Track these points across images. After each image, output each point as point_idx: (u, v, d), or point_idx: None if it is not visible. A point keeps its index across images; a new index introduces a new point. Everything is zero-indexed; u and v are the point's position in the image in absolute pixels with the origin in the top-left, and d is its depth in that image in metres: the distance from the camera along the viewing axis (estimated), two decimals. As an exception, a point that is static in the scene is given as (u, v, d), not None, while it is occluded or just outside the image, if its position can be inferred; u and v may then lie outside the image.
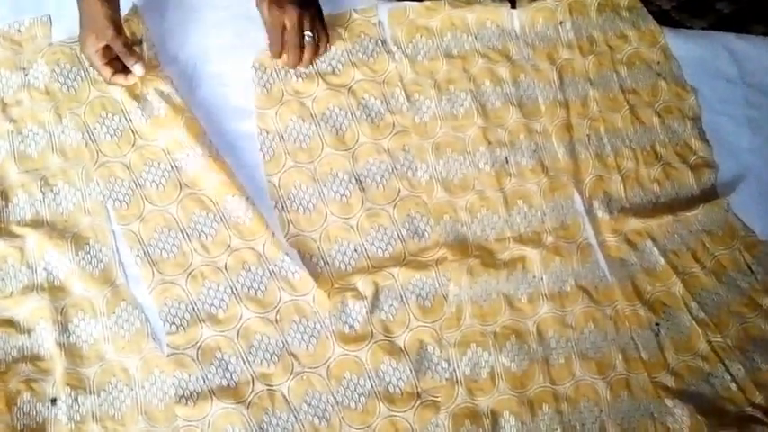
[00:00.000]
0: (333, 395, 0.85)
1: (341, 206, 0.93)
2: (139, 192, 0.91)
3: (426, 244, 0.92)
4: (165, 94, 0.93)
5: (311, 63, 0.97)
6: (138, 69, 0.91)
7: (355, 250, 0.91)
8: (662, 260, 0.93)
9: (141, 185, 0.91)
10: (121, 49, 0.90)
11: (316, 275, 0.89)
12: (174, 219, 0.90)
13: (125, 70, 0.91)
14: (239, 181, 0.92)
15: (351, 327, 0.88)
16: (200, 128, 0.93)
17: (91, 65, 0.93)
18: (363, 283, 0.89)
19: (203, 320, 0.87)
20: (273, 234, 0.90)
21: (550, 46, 1.02)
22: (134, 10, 0.98)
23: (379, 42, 1.00)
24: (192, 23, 1.00)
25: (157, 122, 0.92)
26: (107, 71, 0.91)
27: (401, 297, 0.89)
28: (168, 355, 0.85)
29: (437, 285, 0.90)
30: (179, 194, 0.91)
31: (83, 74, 0.95)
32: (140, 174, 0.92)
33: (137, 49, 0.93)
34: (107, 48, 0.89)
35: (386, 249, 0.92)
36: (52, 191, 0.91)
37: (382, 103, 0.97)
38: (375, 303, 0.88)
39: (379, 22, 1.01)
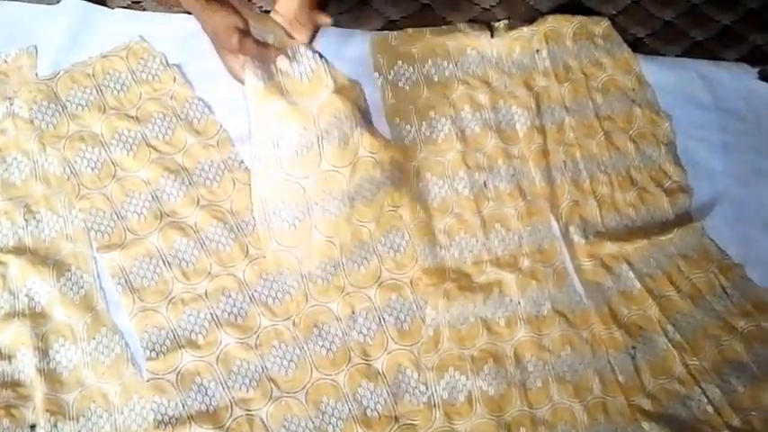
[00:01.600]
0: (311, 420, 0.86)
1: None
2: (121, 223, 0.92)
3: (401, 259, 0.93)
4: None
5: None
6: (303, 37, 0.90)
7: (334, 267, 0.92)
8: (638, 284, 0.94)
9: (122, 216, 0.93)
10: (252, 47, 0.86)
11: (292, 294, 0.90)
12: (156, 247, 0.91)
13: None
14: (221, 205, 0.93)
15: (328, 350, 0.88)
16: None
17: (249, 57, 0.86)
18: (340, 306, 0.90)
19: (183, 346, 0.87)
20: (251, 261, 0.91)
21: (527, 73, 1.04)
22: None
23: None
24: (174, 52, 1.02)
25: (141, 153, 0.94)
26: (258, 49, 0.86)
27: (379, 319, 0.90)
28: (148, 380, 0.86)
29: (414, 308, 0.91)
30: (159, 223, 0.92)
31: (60, 109, 0.97)
32: (121, 204, 0.93)
33: None
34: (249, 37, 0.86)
35: (361, 264, 0.93)
36: (35, 218, 0.92)
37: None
38: (352, 326, 0.89)
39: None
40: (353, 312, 0.90)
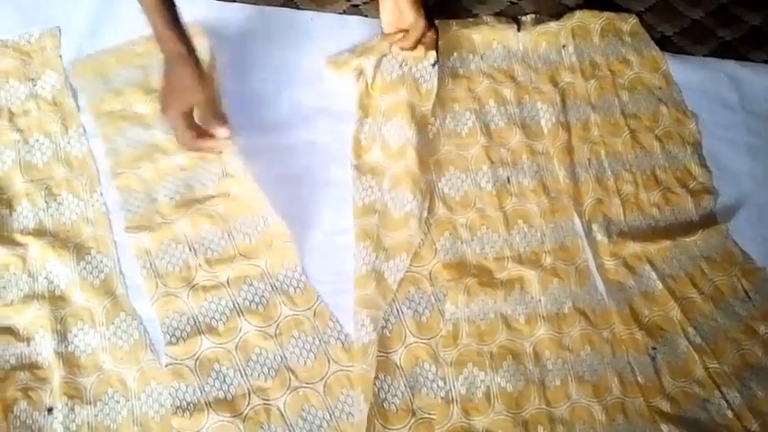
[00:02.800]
0: (328, 411, 0.85)
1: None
2: (153, 205, 0.92)
3: (420, 252, 0.93)
4: None
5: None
6: (223, 133, 0.87)
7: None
8: (660, 285, 0.93)
9: (154, 199, 0.92)
10: (209, 112, 0.86)
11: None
12: (183, 233, 0.91)
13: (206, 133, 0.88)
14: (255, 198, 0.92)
15: (346, 342, 0.88)
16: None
17: (170, 127, 0.88)
18: (370, 299, 0.89)
19: (203, 332, 0.87)
20: (274, 253, 0.90)
21: (553, 69, 1.03)
22: None
23: None
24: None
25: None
26: (189, 135, 0.86)
27: (397, 312, 0.90)
28: (167, 365, 0.85)
29: (433, 301, 0.91)
30: (190, 210, 0.92)
31: (105, 85, 0.97)
32: (155, 187, 0.93)
33: None
34: (191, 110, 0.86)
35: None
36: (56, 200, 0.92)
37: None
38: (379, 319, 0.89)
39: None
40: None
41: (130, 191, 0.92)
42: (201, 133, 0.87)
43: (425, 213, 0.93)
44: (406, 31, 0.96)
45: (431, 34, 0.97)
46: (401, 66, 0.97)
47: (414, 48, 0.96)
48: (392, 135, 0.95)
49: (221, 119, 0.87)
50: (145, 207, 0.92)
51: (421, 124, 0.95)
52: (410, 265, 0.92)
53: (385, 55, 0.98)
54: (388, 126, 0.96)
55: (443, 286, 0.91)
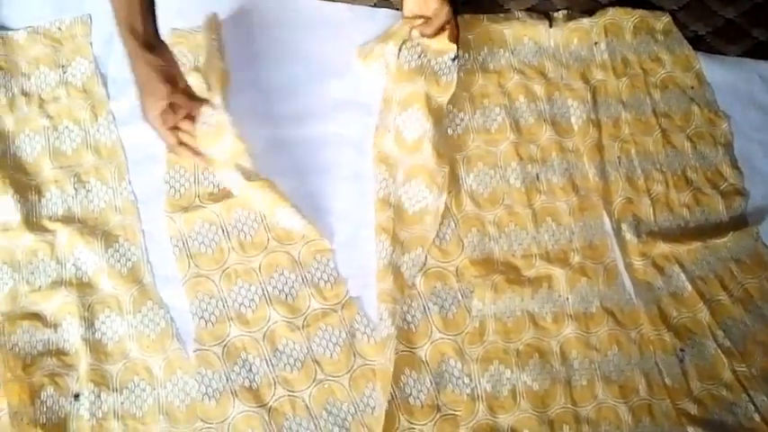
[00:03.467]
0: (353, 404, 0.85)
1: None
2: (195, 188, 0.92)
3: (447, 248, 0.92)
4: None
5: None
6: (206, 111, 0.87)
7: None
8: (689, 286, 0.93)
9: (199, 182, 0.92)
10: (183, 100, 0.85)
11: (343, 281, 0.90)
12: (217, 215, 0.91)
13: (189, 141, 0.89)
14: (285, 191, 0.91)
15: (371, 336, 0.88)
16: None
17: (154, 131, 0.88)
18: (389, 293, 0.89)
19: (232, 318, 0.87)
20: (308, 242, 0.90)
21: (584, 66, 1.02)
22: None
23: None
24: (226, 29, 1.01)
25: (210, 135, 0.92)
26: (171, 138, 0.87)
27: (424, 308, 0.89)
28: (194, 351, 0.86)
29: (460, 297, 0.90)
30: (228, 198, 0.92)
31: None
32: (203, 171, 0.93)
33: None
34: (169, 110, 0.85)
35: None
36: (84, 188, 0.92)
37: None
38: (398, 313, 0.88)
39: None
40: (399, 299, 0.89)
41: (179, 167, 0.93)
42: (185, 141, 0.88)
43: (442, 207, 0.92)
44: (429, 18, 0.94)
45: (452, 26, 0.95)
46: (420, 56, 0.95)
47: (435, 35, 0.94)
48: (407, 126, 0.94)
49: (200, 100, 0.88)
50: (187, 188, 0.92)
51: (437, 116, 0.94)
52: (436, 260, 0.91)
53: (405, 42, 0.95)
54: (404, 116, 0.94)
55: (470, 282, 0.90)
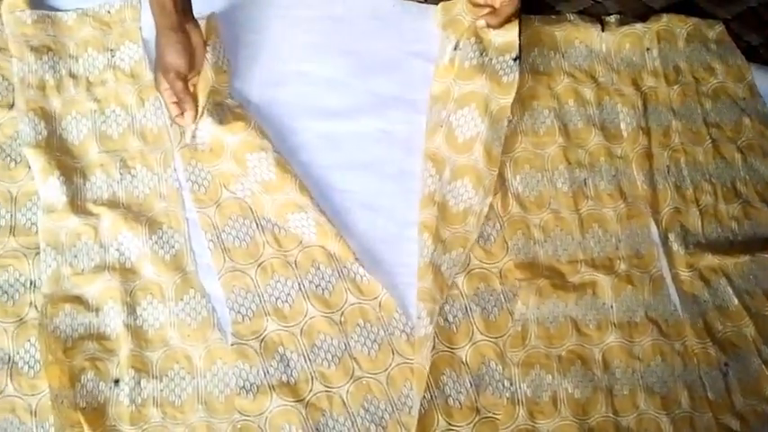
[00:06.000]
0: (391, 403, 0.85)
1: None
2: (219, 178, 0.91)
3: (491, 249, 0.91)
4: (227, 105, 0.94)
5: None
6: (187, 119, 0.90)
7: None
8: (735, 300, 0.91)
9: (221, 171, 0.92)
10: (180, 91, 0.89)
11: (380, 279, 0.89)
12: (250, 209, 0.90)
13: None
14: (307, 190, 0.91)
15: (411, 335, 0.87)
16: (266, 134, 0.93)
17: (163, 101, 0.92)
18: (428, 292, 0.88)
19: (269, 313, 0.87)
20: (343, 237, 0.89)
21: (635, 72, 1.01)
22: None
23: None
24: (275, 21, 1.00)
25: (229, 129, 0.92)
26: (174, 110, 0.90)
27: (466, 308, 0.88)
28: (232, 344, 0.85)
29: (503, 299, 0.89)
30: (258, 186, 0.91)
31: None
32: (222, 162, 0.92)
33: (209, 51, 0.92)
34: (175, 84, 0.89)
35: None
36: (130, 173, 0.92)
37: None
38: (439, 313, 0.87)
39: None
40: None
41: (197, 162, 0.92)
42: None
43: (486, 210, 0.91)
44: (494, 9, 0.92)
45: (518, 19, 0.92)
46: (482, 54, 0.94)
47: (501, 26, 0.92)
48: (460, 125, 0.93)
49: (191, 104, 0.89)
50: (210, 180, 0.91)
51: (497, 119, 0.92)
52: (480, 261, 0.90)
53: (465, 34, 0.94)
54: (458, 114, 0.93)
55: (513, 286, 0.89)
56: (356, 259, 0.88)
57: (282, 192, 0.90)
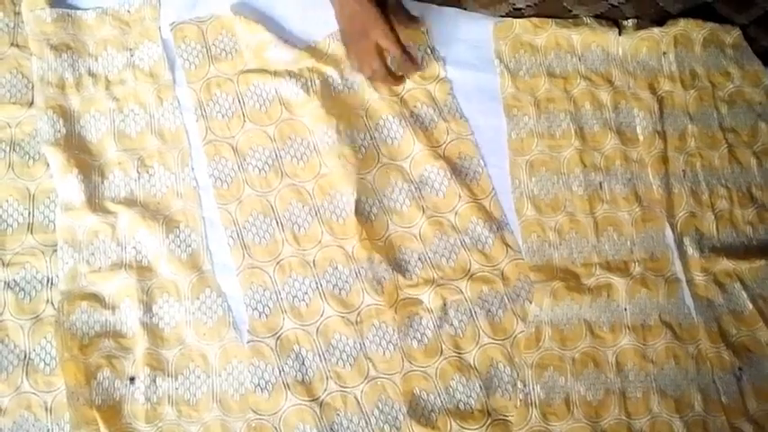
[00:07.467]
0: (405, 405, 0.85)
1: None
2: (242, 174, 0.92)
3: (489, 252, 0.91)
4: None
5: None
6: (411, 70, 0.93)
7: (419, 259, 0.91)
8: (750, 305, 0.91)
9: (244, 169, 0.92)
10: (398, 53, 0.88)
11: (382, 283, 0.89)
12: (271, 206, 0.91)
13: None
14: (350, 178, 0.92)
15: (419, 341, 0.87)
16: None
17: (360, 69, 0.94)
18: (430, 297, 0.88)
19: (285, 311, 0.87)
20: (364, 237, 0.89)
21: (652, 76, 1.01)
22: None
23: (428, 50, 0.99)
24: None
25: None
26: (371, 74, 0.92)
27: (470, 312, 0.89)
28: (248, 342, 0.86)
29: (506, 301, 0.89)
30: (279, 183, 0.92)
31: (205, 51, 0.97)
32: (245, 157, 0.93)
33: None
34: (374, 54, 0.89)
35: (449, 258, 0.91)
36: (147, 172, 0.92)
37: (434, 110, 0.97)
38: (443, 318, 0.88)
39: (427, 30, 1.00)
40: (444, 304, 0.89)
41: (220, 158, 0.93)
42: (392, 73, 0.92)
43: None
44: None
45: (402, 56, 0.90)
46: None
47: (398, 82, 0.96)
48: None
49: (408, 59, 0.89)
50: (233, 176, 0.92)
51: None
52: (481, 264, 0.91)
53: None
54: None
55: (516, 286, 0.90)
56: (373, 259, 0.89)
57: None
